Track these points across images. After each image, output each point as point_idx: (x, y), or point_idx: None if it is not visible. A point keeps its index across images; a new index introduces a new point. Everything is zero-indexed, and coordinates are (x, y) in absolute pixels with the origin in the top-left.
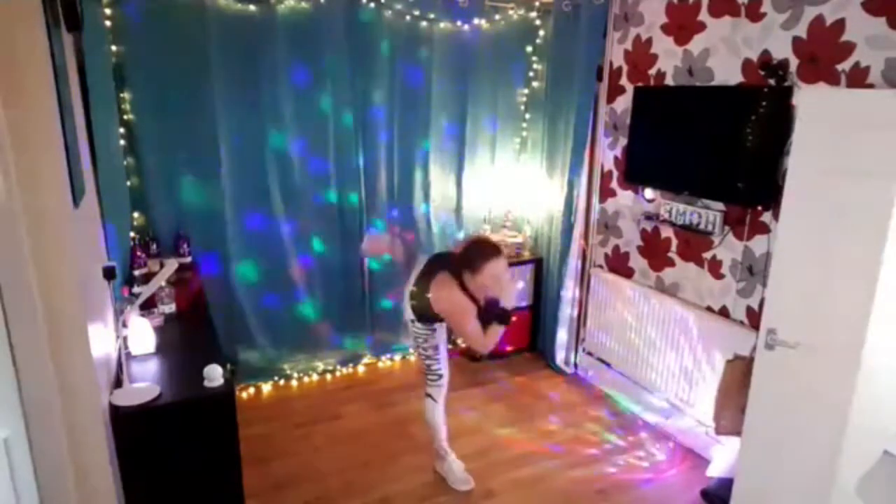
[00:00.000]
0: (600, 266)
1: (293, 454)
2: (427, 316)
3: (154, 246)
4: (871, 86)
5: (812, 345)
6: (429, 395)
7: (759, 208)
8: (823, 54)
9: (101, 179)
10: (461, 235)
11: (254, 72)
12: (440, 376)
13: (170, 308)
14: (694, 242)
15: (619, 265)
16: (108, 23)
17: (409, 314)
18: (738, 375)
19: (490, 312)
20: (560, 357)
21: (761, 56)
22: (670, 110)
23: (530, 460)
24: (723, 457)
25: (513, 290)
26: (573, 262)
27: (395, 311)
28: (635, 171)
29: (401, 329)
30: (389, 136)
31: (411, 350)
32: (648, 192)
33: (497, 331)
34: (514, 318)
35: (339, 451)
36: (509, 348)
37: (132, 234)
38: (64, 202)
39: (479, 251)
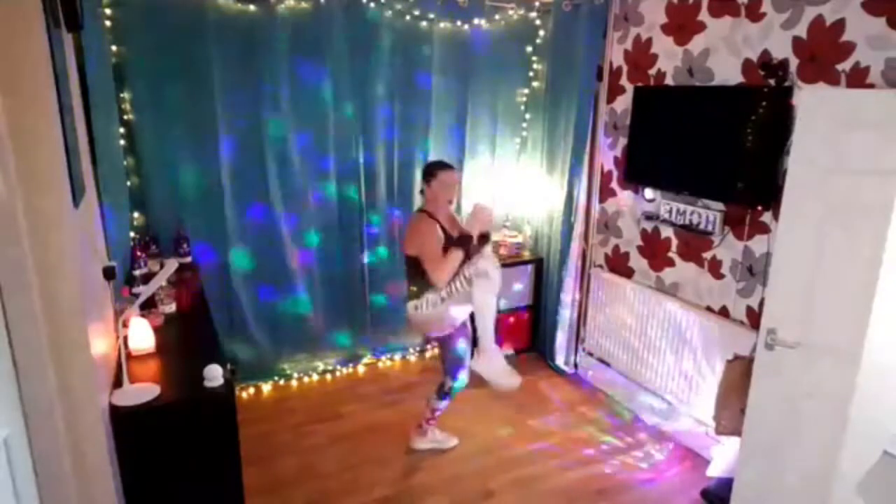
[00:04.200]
0: (600, 266)
1: (293, 454)
2: (419, 285)
3: (154, 246)
4: (871, 86)
5: (812, 345)
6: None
7: (759, 208)
8: (823, 54)
9: (101, 179)
10: None
11: (253, 72)
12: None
13: (170, 308)
14: (694, 242)
15: (619, 265)
16: (108, 23)
17: (412, 304)
18: (738, 375)
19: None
20: (560, 357)
21: (761, 56)
22: (670, 110)
23: (530, 460)
24: (723, 457)
25: (483, 216)
26: (573, 262)
27: (395, 310)
28: (635, 171)
29: (401, 329)
30: (389, 135)
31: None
32: (648, 192)
33: (453, 256)
34: (474, 244)
35: (339, 451)
36: (510, 348)
37: (132, 234)
38: (64, 202)
39: (433, 164)
